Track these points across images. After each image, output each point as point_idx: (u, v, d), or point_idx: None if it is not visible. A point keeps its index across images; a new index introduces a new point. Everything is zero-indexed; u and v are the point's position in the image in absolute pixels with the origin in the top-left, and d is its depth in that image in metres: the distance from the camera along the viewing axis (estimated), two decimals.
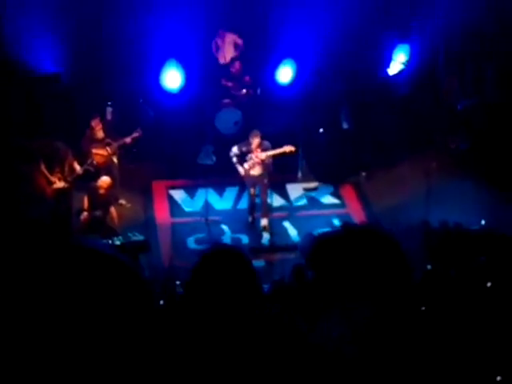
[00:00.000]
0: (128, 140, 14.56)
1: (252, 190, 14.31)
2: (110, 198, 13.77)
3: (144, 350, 2.02)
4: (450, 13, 15.06)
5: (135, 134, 14.51)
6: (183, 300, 3.10)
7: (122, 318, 1.97)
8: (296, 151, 14.35)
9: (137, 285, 2.04)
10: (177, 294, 9.66)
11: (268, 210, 14.22)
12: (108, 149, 14.46)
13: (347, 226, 3.10)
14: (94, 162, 14.12)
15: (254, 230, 14.20)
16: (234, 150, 14.13)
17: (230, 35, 16.33)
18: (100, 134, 14.49)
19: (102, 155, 14.41)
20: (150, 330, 2.04)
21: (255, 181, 14.18)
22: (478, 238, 11.44)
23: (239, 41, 16.35)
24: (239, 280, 3.01)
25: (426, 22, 15.73)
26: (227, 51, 16.42)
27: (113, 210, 13.75)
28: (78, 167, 13.77)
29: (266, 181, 14.10)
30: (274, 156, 14.08)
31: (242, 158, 14.13)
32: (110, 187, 13.69)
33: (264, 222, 14.12)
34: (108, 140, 14.48)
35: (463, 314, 7.36)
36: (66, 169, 13.62)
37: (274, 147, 14.03)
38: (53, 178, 13.49)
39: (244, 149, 14.05)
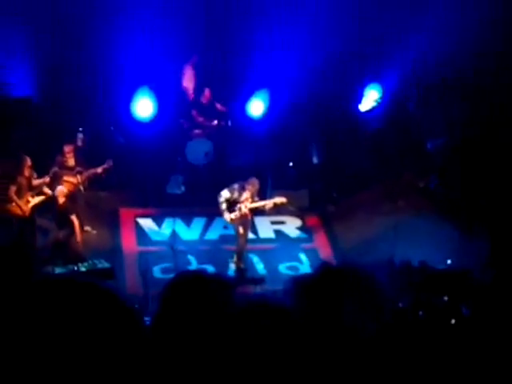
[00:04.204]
0: (99, 170, 14.49)
1: (241, 230, 13.82)
2: (71, 209, 13.65)
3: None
4: (422, 52, 15.20)
5: (106, 165, 14.46)
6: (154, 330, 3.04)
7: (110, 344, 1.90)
8: (283, 203, 13.97)
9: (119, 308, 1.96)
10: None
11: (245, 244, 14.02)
12: (78, 177, 14.38)
13: (325, 267, 3.13)
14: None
15: (220, 260, 14.11)
16: (225, 194, 13.54)
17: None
18: (71, 161, 14.43)
19: (71, 183, 14.32)
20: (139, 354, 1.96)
21: (243, 220, 13.79)
22: (442, 278, 11.47)
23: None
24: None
25: (398, 61, 15.85)
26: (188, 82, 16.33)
27: (78, 232, 13.62)
28: (37, 181, 13.67)
29: (250, 216, 13.86)
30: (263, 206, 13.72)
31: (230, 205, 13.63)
32: (68, 195, 13.61)
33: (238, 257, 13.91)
34: (79, 169, 14.42)
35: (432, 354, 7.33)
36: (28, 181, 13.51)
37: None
38: (25, 199, 13.37)
39: (236, 195, 13.52)
